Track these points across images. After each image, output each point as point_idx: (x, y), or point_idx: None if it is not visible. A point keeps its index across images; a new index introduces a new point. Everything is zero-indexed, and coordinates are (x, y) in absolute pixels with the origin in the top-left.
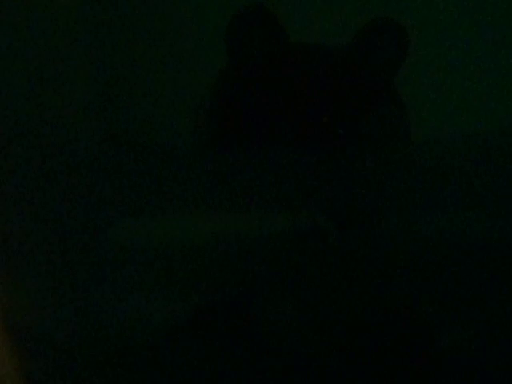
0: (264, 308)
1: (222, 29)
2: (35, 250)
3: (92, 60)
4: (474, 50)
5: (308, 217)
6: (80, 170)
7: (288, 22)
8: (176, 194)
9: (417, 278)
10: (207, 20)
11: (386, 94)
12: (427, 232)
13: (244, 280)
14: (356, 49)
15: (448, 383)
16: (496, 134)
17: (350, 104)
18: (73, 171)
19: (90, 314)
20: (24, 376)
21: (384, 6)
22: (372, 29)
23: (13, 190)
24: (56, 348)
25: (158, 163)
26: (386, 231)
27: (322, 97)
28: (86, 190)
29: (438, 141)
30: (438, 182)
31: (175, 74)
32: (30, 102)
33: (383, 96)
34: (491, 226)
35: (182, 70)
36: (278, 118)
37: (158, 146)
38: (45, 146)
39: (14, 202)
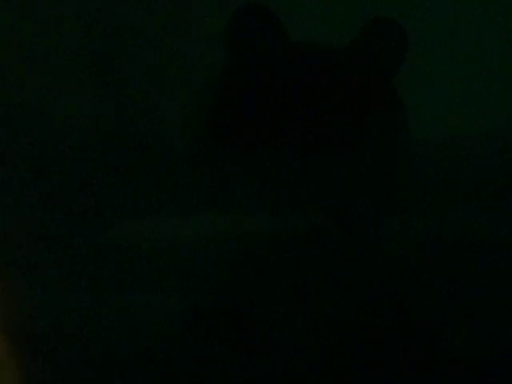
0: (262, 308)
1: (222, 28)
2: (34, 251)
3: (93, 61)
4: (474, 51)
5: (308, 218)
6: (80, 170)
7: (288, 22)
8: (175, 195)
9: (418, 278)
10: (207, 19)
11: (386, 94)
12: (428, 231)
13: (243, 280)
14: (356, 49)
15: (450, 383)
16: (496, 133)
17: (350, 103)
18: (72, 172)
19: (88, 313)
20: (24, 376)
21: (384, 6)
22: (372, 29)
23: (13, 191)
24: (55, 348)
25: (158, 164)
26: (387, 231)
27: (321, 96)
28: (85, 190)
29: (437, 141)
30: (438, 182)
31: (175, 74)
32: (30, 103)
33: (383, 96)
34: (492, 226)
35: (181, 69)
36: (278, 117)
37: (158, 147)
38: (45, 147)
39: (15, 203)
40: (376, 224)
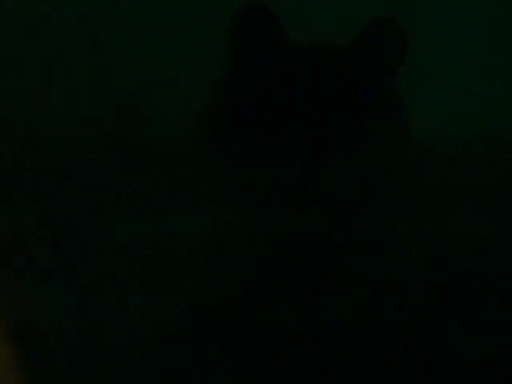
0: (264, 309)
1: (224, 28)
2: (35, 250)
3: (95, 61)
4: (474, 50)
5: (308, 218)
6: (80, 170)
7: (289, 22)
8: (176, 195)
9: (418, 278)
10: (209, 20)
11: (386, 94)
12: (428, 232)
13: (244, 281)
14: (356, 49)
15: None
16: (496, 133)
17: (351, 104)
18: (73, 171)
19: (90, 314)
20: (24, 376)
21: (384, 6)
22: (372, 29)
23: (13, 191)
24: (56, 348)
25: (159, 164)
26: (387, 232)
27: (322, 97)
28: (86, 190)
29: (437, 140)
30: (438, 182)
31: (176, 74)
32: (30, 102)
33: (383, 95)
34: (492, 225)
35: (183, 69)
36: (278, 117)
37: (159, 147)
38: (45, 145)
39: (15, 203)
40: (376, 224)
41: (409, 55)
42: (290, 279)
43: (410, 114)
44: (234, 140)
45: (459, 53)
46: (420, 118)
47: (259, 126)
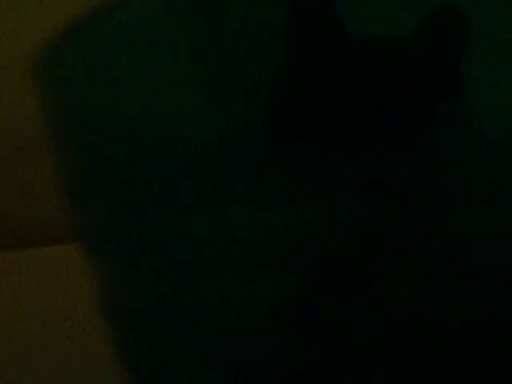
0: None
1: (278, 21)
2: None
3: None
4: None
5: (367, 212)
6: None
7: (344, 14)
8: (252, 189)
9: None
10: (260, 11)
11: (452, 87)
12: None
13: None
14: (419, 40)
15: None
16: None
17: (416, 98)
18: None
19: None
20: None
21: None
22: (435, 18)
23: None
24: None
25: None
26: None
27: (385, 92)
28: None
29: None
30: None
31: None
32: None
33: (449, 89)
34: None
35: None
36: (338, 114)
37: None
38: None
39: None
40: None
41: (473, 46)
42: (350, 273)
43: (475, 106)
44: (296, 137)
45: None
46: (487, 113)
47: (318, 122)
